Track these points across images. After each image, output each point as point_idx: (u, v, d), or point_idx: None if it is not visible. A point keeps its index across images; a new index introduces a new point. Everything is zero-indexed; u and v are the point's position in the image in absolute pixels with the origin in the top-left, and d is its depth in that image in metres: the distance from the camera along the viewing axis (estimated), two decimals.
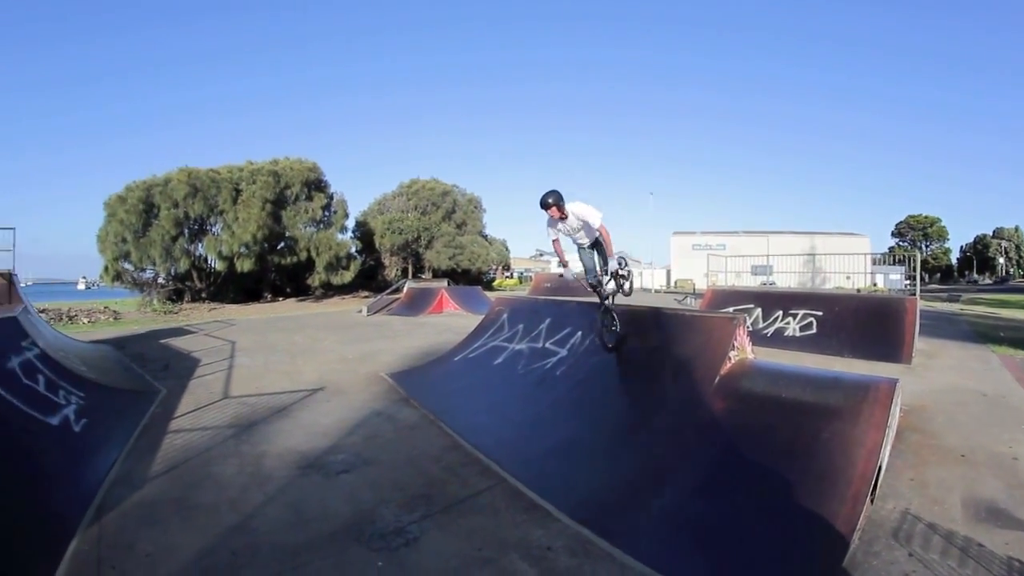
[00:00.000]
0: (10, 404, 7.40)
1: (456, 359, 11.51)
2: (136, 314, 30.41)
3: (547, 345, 9.58)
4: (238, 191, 37.09)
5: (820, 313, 14.80)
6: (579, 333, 9.12)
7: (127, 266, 36.05)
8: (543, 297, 19.56)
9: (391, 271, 47.46)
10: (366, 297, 38.21)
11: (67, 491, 6.15)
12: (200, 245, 37.66)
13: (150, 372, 12.30)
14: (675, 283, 55.29)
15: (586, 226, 7.99)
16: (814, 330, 14.59)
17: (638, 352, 7.89)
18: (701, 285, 38.53)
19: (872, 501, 4.94)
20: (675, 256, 61.48)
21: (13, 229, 15.68)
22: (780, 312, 15.57)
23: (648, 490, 5.41)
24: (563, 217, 7.86)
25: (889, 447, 5.24)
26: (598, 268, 8.36)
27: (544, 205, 7.77)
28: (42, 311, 19.01)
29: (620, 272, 8.35)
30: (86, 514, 5.59)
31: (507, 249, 62.58)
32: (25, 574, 4.54)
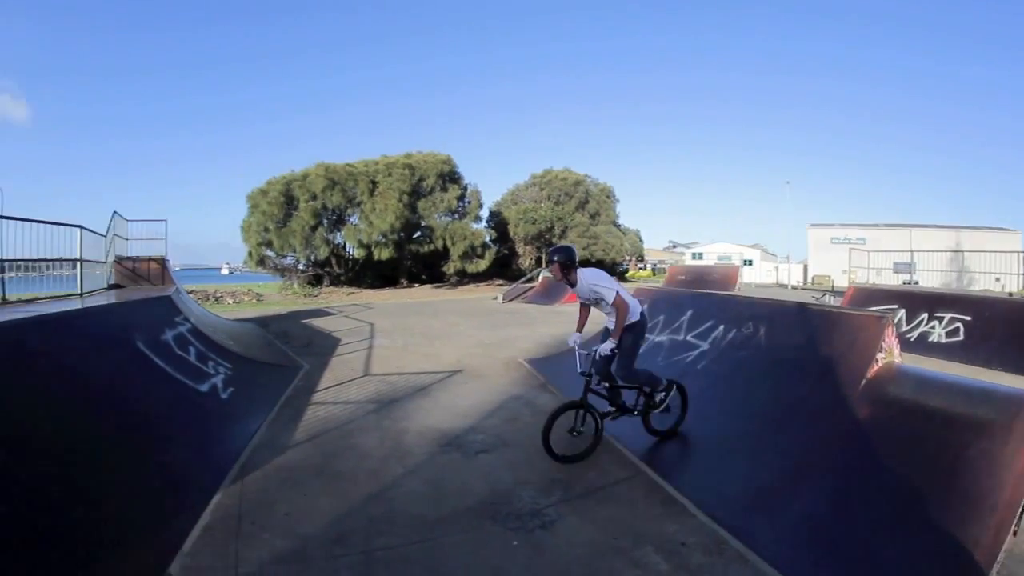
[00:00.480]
0: (164, 371, 7.83)
1: (594, 347, 11.11)
2: (278, 296, 31.75)
3: (688, 338, 9.18)
4: (374, 183, 38.28)
5: (968, 318, 13.13)
6: (721, 327, 8.64)
7: (269, 253, 38.53)
8: (684, 289, 19.02)
9: (525, 260, 47.51)
10: (500, 285, 38.53)
11: (214, 450, 6.40)
12: (339, 234, 39.36)
13: (293, 349, 12.67)
14: (812, 279, 52.60)
15: (603, 301, 6.43)
16: (961, 336, 13.08)
17: (782, 349, 7.38)
18: (840, 282, 36.49)
19: (1015, 533, 4.26)
20: (812, 250, 58.25)
21: (165, 221, 17.08)
22: (925, 315, 14.09)
23: (785, 493, 5.12)
24: (569, 280, 6.41)
25: None
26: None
27: (548, 260, 6.56)
28: (191, 292, 19.93)
29: (644, 387, 6.71)
30: (230, 473, 5.79)
31: (640, 239, 61.46)
32: (171, 520, 4.75)
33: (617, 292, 6.28)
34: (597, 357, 6.42)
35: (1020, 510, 4.04)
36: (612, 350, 6.29)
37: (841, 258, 33.90)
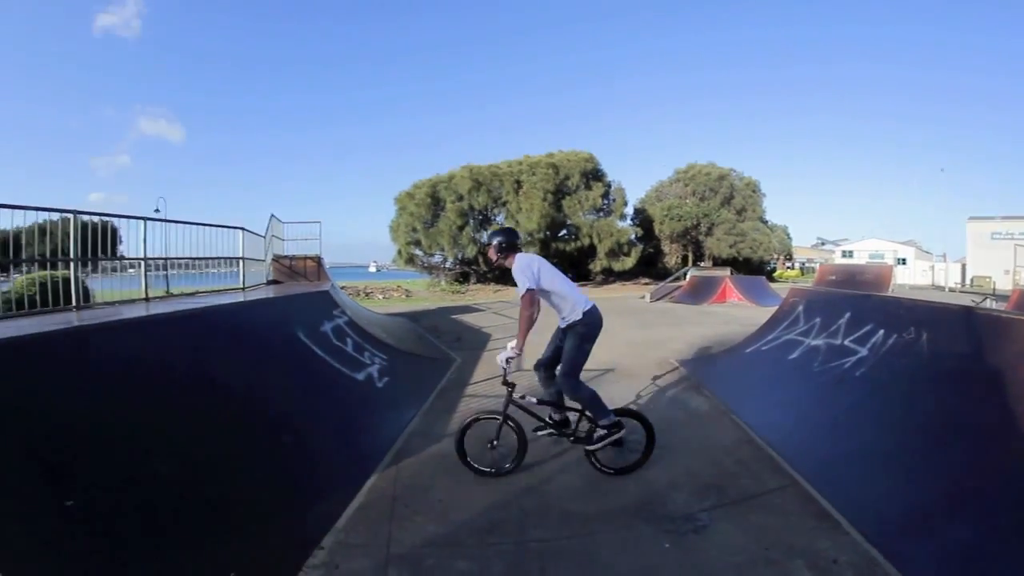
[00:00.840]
0: (324, 360, 8.27)
1: (748, 350, 10.90)
2: (426, 293, 32.63)
3: (846, 343, 8.66)
4: (519, 183, 39.08)
5: None
6: (881, 332, 8.10)
7: (417, 252, 40.66)
8: (840, 290, 18.16)
9: (671, 258, 46.94)
10: (646, 284, 38.21)
11: (369, 436, 6.70)
12: (485, 233, 40.05)
13: (444, 342, 12.97)
14: (971, 280, 48.05)
15: (553, 294, 5.87)
16: None
17: (946, 358, 6.80)
18: (1002, 284, 33.66)
19: None
20: (971, 247, 52.70)
21: (319, 222, 18.02)
22: None
23: (944, 518, 4.70)
24: (506, 264, 5.94)
25: None
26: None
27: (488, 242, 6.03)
28: (342, 287, 20.74)
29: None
30: (385, 458, 6.03)
31: (788, 236, 58.89)
32: (327, 497, 5.03)
33: (529, 288, 5.58)
34: (504, 364, 5.75)
35: None
36: (508, 359, 5.68)
37: (1004, 256, 31.41)
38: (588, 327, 5.87)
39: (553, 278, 5.86)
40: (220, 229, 11.62)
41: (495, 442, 5.69)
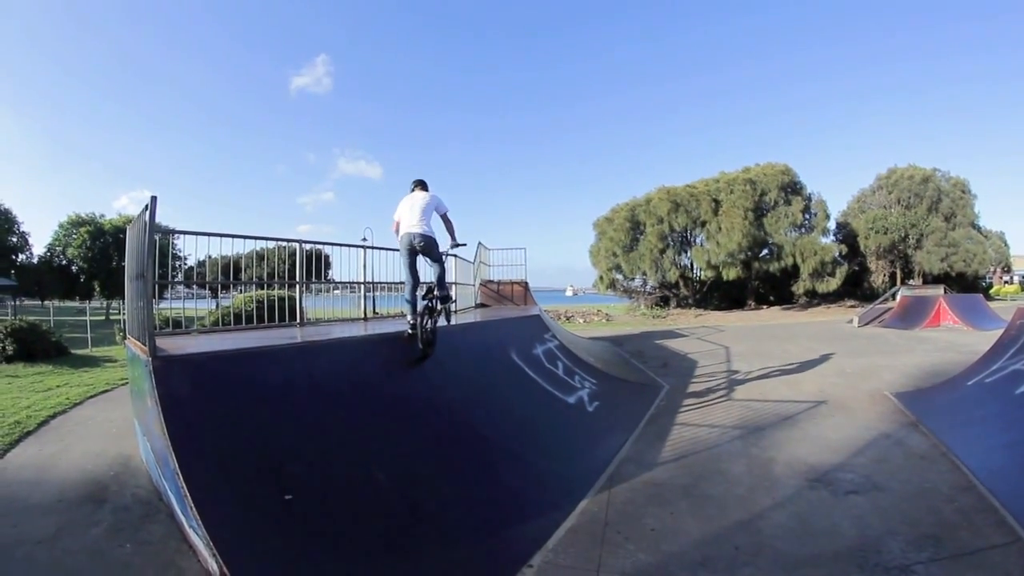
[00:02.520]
0: (535, 382, 8.91)
1: (969, 383, 10.17)
2: (626, 317, 32.88)
3: None
4: (717, 202, 38.49)
5: None
6: None
7: (618, 276, 41.27)
8: None
9: (877, 276, 44.13)
10: (852, 306, 36.25)
11: (581, 459, 7.03)
12: (686, 256, 40.37)
13: (650, 368, 13.22)
14: None
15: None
16: None
17: None
18: None
19: None
20: None
21: (524, 249, 18.36)
22: None
23: None
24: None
25: None
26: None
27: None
28: (544, 311, 21.42)
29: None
30: (597, 482, 6.31)
31: (1005, 244, 52.00)
32: (538, 517, 5.33)
33: None
34: None
35: None
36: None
37: None
38: None
39: None
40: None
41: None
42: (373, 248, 10.77)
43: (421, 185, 7.92)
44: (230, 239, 7.37)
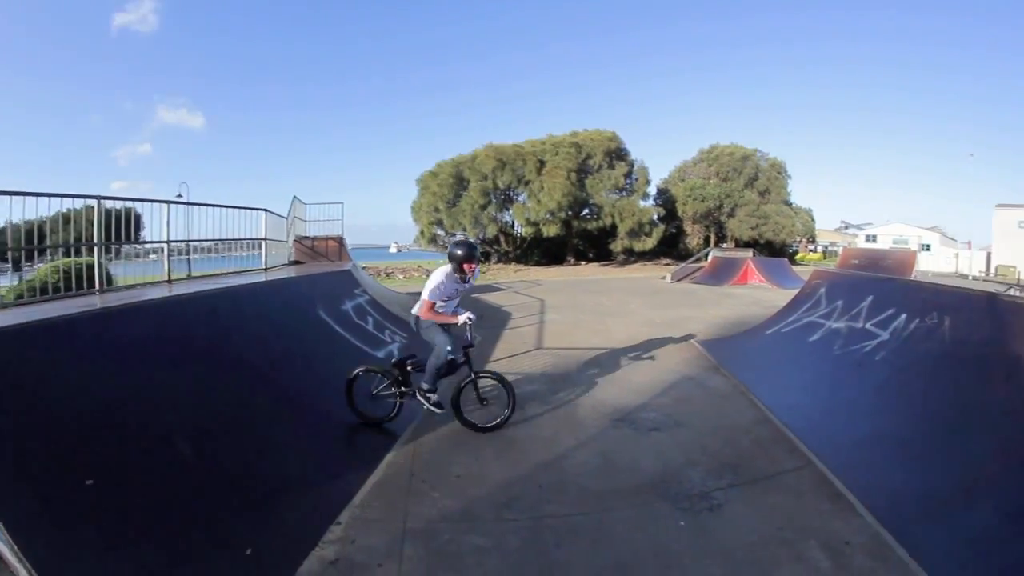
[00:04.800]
0: (344, 338, 8.55)
1: (768, 332, 10.99)
2: None
3: (868, 326, 8.72)
4: (542, 163, 38.78)
5: None
6: (903, 316, 8.13)
7: (439, 231, 40.66)
8: (864, 273, 18.04)
9: (693, 239, 46.58)
10: (667, 264, 38.11)
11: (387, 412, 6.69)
12: (507, 213, 40.45)
13: None
14: (995, 270, 46.89)
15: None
16: None
17: (968, 344, 6.83)
18: None
19: None
20: (997, 235, 51.21)
21: (342, 204, 18.15)
22: None
23: (960, 504, 4.77)
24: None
25: None
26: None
27: (471, 256, 6.67)
28: (363, 268, 20.89)
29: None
30: (404, 434, 6.21)
31: (812, 219, 57.72)
32: (345, 473, 5.18)
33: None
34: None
35: None
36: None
37: None
38: None
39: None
40: (243, 211, 11.80)
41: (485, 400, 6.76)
42: (188, 204, 10.05)
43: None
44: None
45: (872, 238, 63.25)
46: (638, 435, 6.28)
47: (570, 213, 38.87)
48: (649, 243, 40.04)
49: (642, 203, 41.58)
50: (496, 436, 6.11)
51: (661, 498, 4.87)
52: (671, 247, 44.76)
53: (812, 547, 4.20)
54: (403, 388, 6.61)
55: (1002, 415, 5.52)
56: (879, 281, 10.11)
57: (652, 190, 45.93)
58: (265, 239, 12.65)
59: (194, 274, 10.14)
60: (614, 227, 39.48)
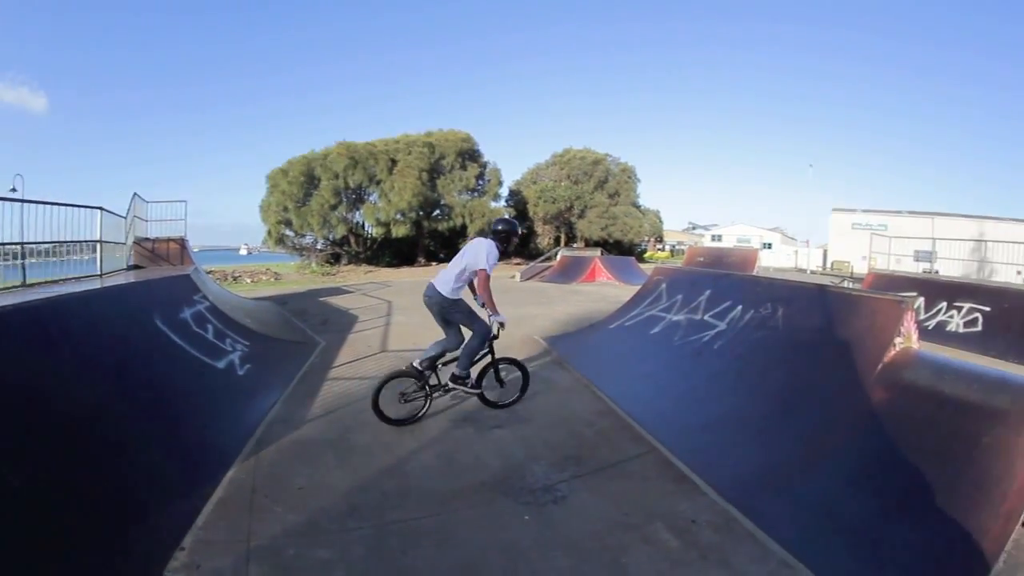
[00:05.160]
0: (182, 349, 7.92)
1: (612, 326, 11.26)
2: (296, 275, 31.95)
3: (706, 318, 9.11)
4: (394, 162, 38.53)
5: (988, 308, 12.95)
6: (739, 307, 8.58)
7: (288, 232, 39.19)
8: (703, 269, 18.91)
9: (544, 240, 47.64)
10: (519, 264, 38.59)
11: (229, 426, 6.44)
12: (358, 213, 39.70)
13: (310, 326, 12.75)
14: (831, 264, 52.00)
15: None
16: (979, 327, 12.93)
17: (799, 330, 7.33)
18: (859, 268, 36.21)
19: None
20: (833, 235, 57.19)
21: (185, 202, 16.97)
22: (944, 304, 13.90)
23: (797, 474, 5.11)
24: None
25: None
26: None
27: (515, 231, 7.01)
28: (209, 272, 20.05)
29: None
30: (245, 448, 5.84)
31: (660, 220, 60.58)
32: (187, 495, 4.79)
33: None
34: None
35: None
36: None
37: (862, 244, 33.60)
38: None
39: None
40: (77, 210, 10.74)
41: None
42: (15, 201, 9.04)
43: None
44: None
45: (718, 237, 67.00)
46: (480, 433, 6.28)
47: (421, 213, 38.72)
48: None
49: (493, 204, 42.20)
50: (338, 444, 5.93)
51: (504, 495, 4.87)
52: (522, 247, 45.49)
53: (659, 529, 4.30)
54: (431, 385, 6.81)
55: (833, 394, 5.89)
56: (716, 276, 10.57)
57: (504, 191, 46.90)
58: (101, 241, 11.62)
59: (29, 281, 9.39)
60: (464, 227, 39.70)
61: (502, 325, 6.79)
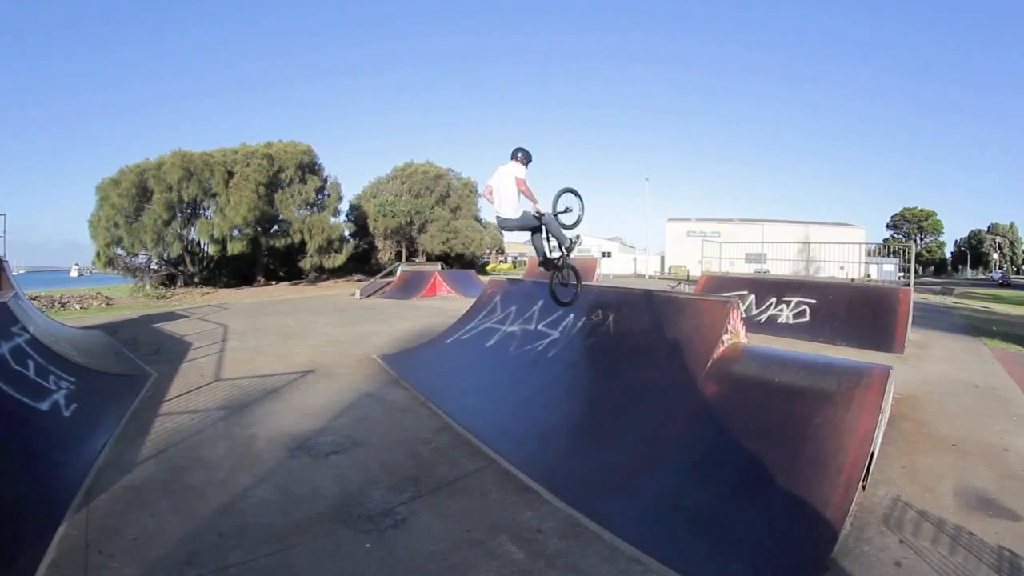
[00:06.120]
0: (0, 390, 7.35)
1: (448, 341, 11.52)
2: (129, 300, 30.24)
3: (540, 327, 9.58)
4: (231, 174, 36.91)
5: (814, 301, 14.69)
6: (571, 315, 9.11)
7: (120, 251, 35.83)
8: (536, 280, 19.46)
9: (385, 255, 47.32)
10: (359, 281, 38.10)
11: (56, 476, 6.12)
12: (193, 229, 37.28)
13: (141, 356, 12.25)
14: (669, 269, 55.07)
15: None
16: (807, 318, 14.48)
17: (630, 335, 7.87)
18: (695, 272, 38.39)
19: (864, 487, 4.94)
20: (670, 242, 60.99)
21: (3, 216, 15.41)
22: (774, 299, 15.44)
23: (639, 472, 5.43)
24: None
25: (881, 434, 5.21)
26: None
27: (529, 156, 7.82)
28: (34, 298, 18.84)
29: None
30: (75, 499, 5.58)
31: (501, 233, 61.90)
32: (13, 559, 4.50)
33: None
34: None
35: (866, 467, 4.66)
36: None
37: (697, 250, 35.56)
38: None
39: None
40: None
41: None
42: None
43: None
44: None
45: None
46: (316, 462, 6.29)
47: (259, 229, 37.36)
48: (339, 259, 39.99)
49: (333, 219, 41.53)
50: (172, 486, 5.75)
51: (344, 524, 4.90)
52: (363, 263, 45.25)
53: (504, 542, 4.50)
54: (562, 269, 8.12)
55: (667, 392, 6.40)
56: (547, 286, 11.19)
57: (344, 206, 46.20)
58: None
59: None
60: (303, 244, 38.80)
61: (540, 215, 7.64)
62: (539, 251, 7.96)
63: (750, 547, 4.26)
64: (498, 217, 7.68)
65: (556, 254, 8.03)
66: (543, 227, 7.66)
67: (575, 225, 7.78)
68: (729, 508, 4.68)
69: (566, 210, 7.61)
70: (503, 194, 7.48)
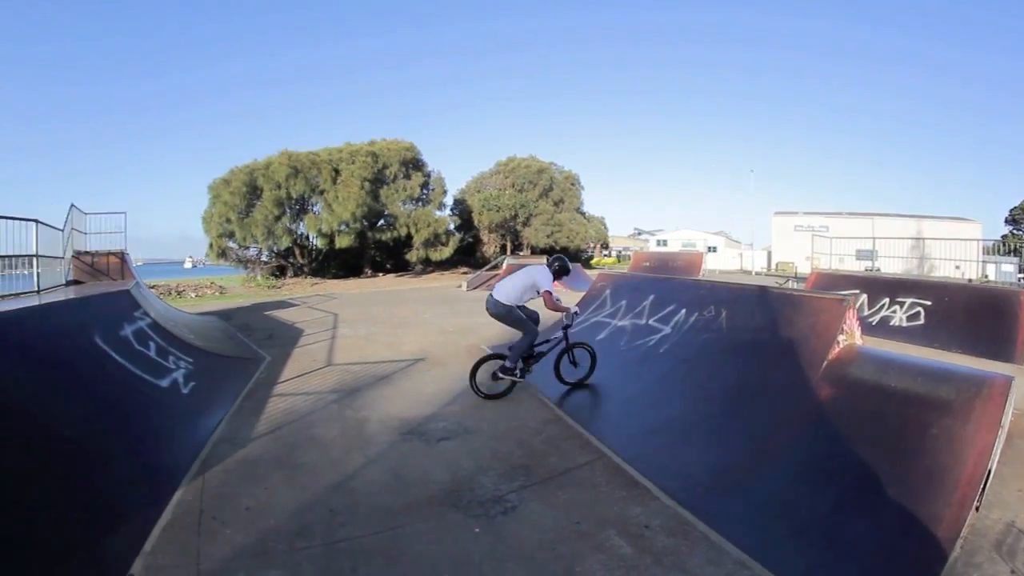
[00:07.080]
0: (124, 368, 7.70)
1: (556, 333, 11.21)
2: (241, 289, 31.33)
3: (650, 322, 9.29)
4: (337, 171, 37.77)
5: (929, 303, 13.52)
6: (683, 311, 8.77)
7: (231, 244, 37.83)
8: (646, 274, 19.09)
9: (490, 248, 47.40)
10: (465, 273, 38.49)
11: (174, 447, 6.31)
12: (301, 224, 38.55)
13: (255, 341, 12.55)
14: (776, 265, 53.05)
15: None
16: (922, 320, 13.40)
17: (743, 332, 7.52)
18: (803, 268, 37.03)
19: (978, 508, 4.41)
20: (776, 237, 58.50)
21: (124, 213, 16.37)
22: (887, 299, 14.38)
23: (749, 474, 5.20)
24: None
25: (999, 451, 4.65)
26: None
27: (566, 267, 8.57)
28: (152, 287, 19.61)
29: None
30: (191, 468, 5.72)
31: (605, 227, 61.21)
32: (133, 519, 4.67)
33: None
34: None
35: (982, 486, 4.17)
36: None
37: (804, 245, 34.28)
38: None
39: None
40: (10, 223, 10.23)
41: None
42: None
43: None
44: None
45: (663, 242, 67.52)
46: (427, 446, 6.25)
47: (365, 223, 38.07)
48: (445, 252, 40.20)
49: (438, 213, 41.68)
50: (286, 462, 5.84)
51: (454, 508, 4.86)
52: (468, 256, 45.43)
53: (612, 535, 4.34)
54: (521, 368, 8.12)
55: (780, 393, 6.04)
56: (659, 280, 10.74)
57: (449, 200, 46.39)
58: (37, 255, 11.11)
59: None
60: (410, 237, 39.24)
61: (577, 313, 8.41)
62: (518, 349, 8.14)
63: (856, 561, 3.97)
64: (491, 297, 8.24)
65: (544, 347, 8.49)
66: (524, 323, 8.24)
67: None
68: (838, 518, 4.38)
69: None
70: (510, 284, 8.25)
